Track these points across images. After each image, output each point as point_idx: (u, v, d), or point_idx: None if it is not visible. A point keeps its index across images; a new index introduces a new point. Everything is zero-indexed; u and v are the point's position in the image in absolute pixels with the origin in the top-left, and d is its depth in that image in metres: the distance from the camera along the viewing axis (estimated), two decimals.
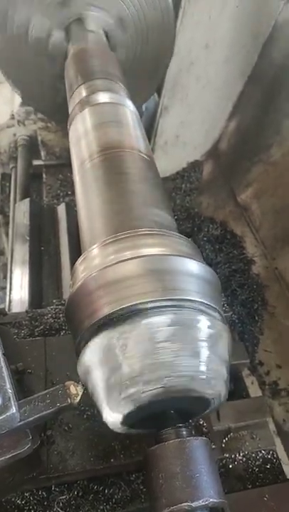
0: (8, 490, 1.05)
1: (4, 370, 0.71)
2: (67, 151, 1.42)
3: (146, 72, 2.23)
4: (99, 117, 1.33)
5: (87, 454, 1.11)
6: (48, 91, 2.20)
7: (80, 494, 1.12)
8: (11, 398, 0.69)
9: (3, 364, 0.71)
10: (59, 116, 2.32)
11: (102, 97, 1.41)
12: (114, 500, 1.12)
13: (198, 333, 0.81)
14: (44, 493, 1.12)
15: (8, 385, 0.70)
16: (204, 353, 0.81)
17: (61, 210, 2.31)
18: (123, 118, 1.35)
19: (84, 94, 1.46)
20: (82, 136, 1.30)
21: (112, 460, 1.11)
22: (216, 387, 0.82)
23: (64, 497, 1.11)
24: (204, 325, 0.83)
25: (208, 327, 0.84)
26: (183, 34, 2.21)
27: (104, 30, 1.96)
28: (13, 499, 1.11)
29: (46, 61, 2.05)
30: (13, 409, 0.68)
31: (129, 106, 1.44)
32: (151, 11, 1.97)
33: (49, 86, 2.17)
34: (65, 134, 1.48)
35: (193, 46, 2.30)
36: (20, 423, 0.72)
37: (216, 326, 0.85)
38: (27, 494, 1.12)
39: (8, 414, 0.68)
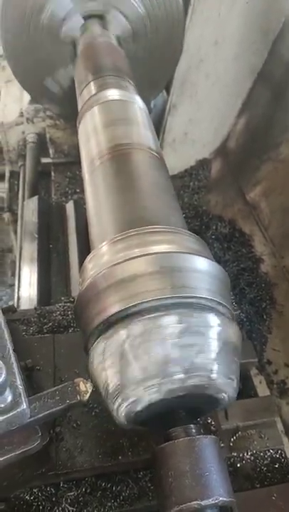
0: (17, 486, 1.06)
1: (15, 366, 0.71)
2: (76, 148, 1.43)
3: (154, 72, 2.23)
4: (108, 115, 1.33)
5: (96, 451, 1.12)
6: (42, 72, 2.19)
7: (88, 491, 1.13)
8: (22, 394, 0.69)
9: (14, 360, 0.72)
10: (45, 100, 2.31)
11: (112, 94, 1.41)
12: (121, 497, 1.12)
13: (208, 331, 0.81)
14: (52, 490, 1.13)
15: (18, 381, 0.70)
16: (214, 350, 0.80)
17: (70, 207, 2.31)
18: (132, 115, 1.35)
19: (93, 91, 1.46)
20: (92, 134, 1.30)
21: (120, 457, 1.11)
22: (226, 385, 0.81)
23: (72, 493, 1.12)
24: (214, 322, 0.83)
25: (218, 325, 0.83)
26: (192, 31, 2.20)
27: (117, 35, 1.97)
28: (21, 495, 1.12)
29: (51, 44, 2.02)
30: (24, 405, 0.69)
31: (139, 103, 1.43)
32: (162, 11, 1.97)
33: (46, 68, 2.16)
34: (74, 132, 1.48)
35: (202, 43, 2.29)
36: (31, 419, 0.73)
37: (225, 323, 0.84)
38: (35, 490, 1.12)
39: (18, 410, 0.68)
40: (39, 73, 2.17)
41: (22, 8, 1.89)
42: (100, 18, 1.95)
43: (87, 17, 1.95)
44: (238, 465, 1.24)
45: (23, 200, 2.52)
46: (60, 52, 2.02)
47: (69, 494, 1.12)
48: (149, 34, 2.05)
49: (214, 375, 0.80)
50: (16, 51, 2.07)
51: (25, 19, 1.92)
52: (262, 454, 1.27)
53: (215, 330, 0.82)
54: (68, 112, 2.12)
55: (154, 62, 2.18)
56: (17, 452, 0.77)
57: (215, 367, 0.80)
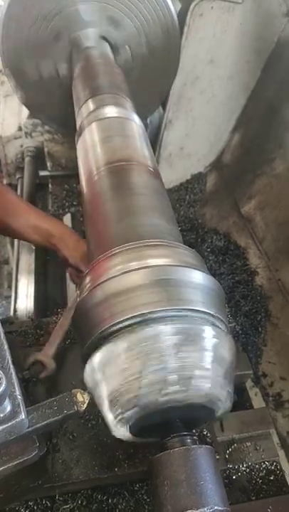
0: (12, 498, 1.05)
1: (14, 376, 0.73)
2: (73, 161, 1.46)
3: (150, 89, 2.28)
4: (106, 131, 1.36)
5: (92, 463, 1.12)
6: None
7: (84, 503, 1.13)
8: (21, 404, 0.71)
9: (12, 371, 0.73)
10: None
11: (109, 112, 1.44)
12: (117, 510, 1.13)
13: (203, 343, 0.83)
14: (48, 503, 1.13)
15: (17, 391, 0.71)
16: (209, 362, 0.82)
17: (67, 220, 2.35)
18: (130, 132, 1.38)
19: (91, 108, 1.49)
20: (90, 150, 1.33)
21: (116, 469, 1.11)
22: (221, 397, 0.83)
23: (68, 506, 1.12)
24: (209, 334, 0.84)
25: (214, 336, 0.85)
26: (188, 50, 2.26)
27: (102, 36, 2.01)
28: (17, 508, 1.12)
29: (60, 92, 2.12)
30: (23, 416, 0.70)
31: (136, 120, 1.47)
32: (158, 30, 2.02)
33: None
34: (71, 146, 1.52)
35: (197, 61, 2.35)
36: (29, 429, 0.74)
37: (220, 335, 0.86)
38: (31, 503, 1.13)
39: (17, 420, 0.69)
40: (25, 52, 2.17)
41: (21, 24, 1.93)
42: (76, 43, 1.98)
43: (69, 55, 1.99)
44: (234, 477, 1.25)
45: None
46: (55, 46, 2.03)
47: (65, 507, 1.12)
48: (145, 51, 2.11)
49: (209, 387, 0.81)
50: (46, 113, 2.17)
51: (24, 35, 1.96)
52: (257, 466, 1.27)
53: (210, 342, 0.84)
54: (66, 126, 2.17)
55: (150, 79, 2.23)
56: (14, 463, 0.78)
57: (210, 378, 0.81)
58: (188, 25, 2.18)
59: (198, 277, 0.91)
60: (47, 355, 1.26)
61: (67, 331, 1.33)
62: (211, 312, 0.88)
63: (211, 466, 0.75)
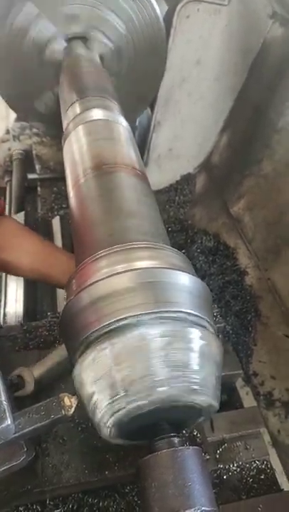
0: (2, 504, 1.05)
1: (0, 382, 0.72)
2: (62, 164, 1.45)
3: (137, 91, 2.29)
4: (93, 134, 1.36)
5: (82, 467, 1.12)
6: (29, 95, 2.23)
7: (75, 507, 1.13)
8: (6, 410, 0.70)
9: None
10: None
11: (96, 114, 1.44)
12: None
13: (190, 344, 0.83)
14: (39, 507, 1.12)
15: (3, 397, 0.71)
16: (196, 363, 0.83)
17: (56, 222, 2.34)
18: (116, 135, 1.39)
19: (78, 111, 1.49)
20: (77, 152, 1.33)
21: (106, 472, 1.11)
22: (207, 398, 0.83)
23: (59, 510, 1.12)
24: (196, 336, 0.85)
25: (200, 338, 0.85)
26: (174, 51, 2.27)
27: (100, 54, 2.02)
28: None
29: (37, 66, 2.06)
30: (8, 421, 0.70)
31: (122, 122, 1.47)
32: (144, 31, 2.03)
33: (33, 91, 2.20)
34: (60, 149, 1.51)
35: (184, 63, 2.36)
36: (15, 435, 0.73)
37: (207, 337, 0.87)
38: (21, 508, 1.12)
39: (3, 425, 0.69)
40: (26, 95, 2.21)
41: (5, 33, 1.92)
42: (83, 39, 2.00)
43: (70, 39, 1.99)
44: (225, 477, 1.25)
45: (10, 215, 2.53)
46: (45, 75, 2.05)
47: (55, 511, 1.11)
48: (131, 54, 2.11)
49: (196, 388, 0.82)
50: (2, 75, 2.11)
51: (10, 44, 1.96)
52: (248, 465, 1.28)
53: (197, 343, 0.85)
54: (54, 129, 2.16)
55: (138, 81, 2.24)
56: (2, 468, 0.78)
57: (197, 379, 0.82)
58: (175, 27, 2.18)
59: (184, 279, 0.91)
60: (31, 375, 1.17)
61: (63, 361, 1.22)
62: (198, 314, 0.89)
63: (198, 466, 0.75)
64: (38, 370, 1.19)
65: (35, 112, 2.27)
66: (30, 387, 1.16)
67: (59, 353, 1.22)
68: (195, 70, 2.41)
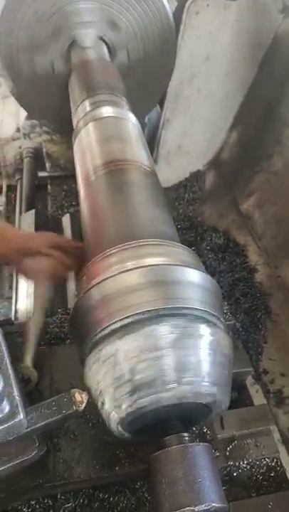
0: (14, 498, 1.07)
1: (12, 377, 0.73)
2: (72, 162, 1.46)
3: (147, 88, 2.28)
4: (103, 131, 1.37)
5: (93, 462, 1.13)
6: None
7: (86, 502, 1.14)
8: (19, 405, 0.71)
9: (11, 372, 0.74)
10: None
11: (106, 112, 1.45)
12: (119, 508, 1.13)
13: (199, 341, 0.83)
14: (50, 502, 1.14)
15: (16, 392, 0.72)
16: (206, 360, 0.83)
17: (66, 220, 2.34)
18: (126, 132, 1.39)
19: (88, 108, 1.50)
20: (87, 150, 1.33)
21: (117, 468, 1.12)
22: (217, 394, 0.83)
23: (70, 505, 1.13)
24: (206, 332, 0.85)
25: (210, 334, 0.86)
26: (184, 48, 2.26)
27: (100, 37, 2.00)
28: (19, 507, 1.12)
29: (56, 89, 2.11)
30: (21, 416, 0.70)
31: (132, 119, 1.47)
32: (154, 28, 2.02)
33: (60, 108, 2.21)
34: (70, 146, 1.52)
35: (194, 59, 2.35)
36: (28, 429, 0.74)
37: (217, 333, 0.87)
38: (33, 502, 1.13)
39: (16, 420, 0.70)
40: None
41: (19, 18, 1.92)
42: (74, 42, 1.97)
43: (66, 53, 1.99)
44: (235, 474, 1.25)
45: (20, 213, 2.55)
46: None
47: (66, 506, 1.13)
48: (141, 51, 2.11)
49: (207, 384, 0.82)
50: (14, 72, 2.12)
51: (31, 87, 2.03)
52: (258, 462, 1.27)
53: (207, 340, 0.85)
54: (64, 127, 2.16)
55: (147, 78, 2.24)
56: (14, 462, 0.79)
57: (207, 376, 0.82)
58: (185, 23, 2.17)
59: (194, 276, 0.91)
60: (28, 366, 1.18)
61: (38, 334, 1.25)
62: (208, 310, 0.89)
63: (208, 463, 0.75)
64: (28, 356, 1.20)
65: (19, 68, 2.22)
66: (34, 377, 1.18)
67: (31, 329, 1.24)
68: (204, 66, 2.40)
